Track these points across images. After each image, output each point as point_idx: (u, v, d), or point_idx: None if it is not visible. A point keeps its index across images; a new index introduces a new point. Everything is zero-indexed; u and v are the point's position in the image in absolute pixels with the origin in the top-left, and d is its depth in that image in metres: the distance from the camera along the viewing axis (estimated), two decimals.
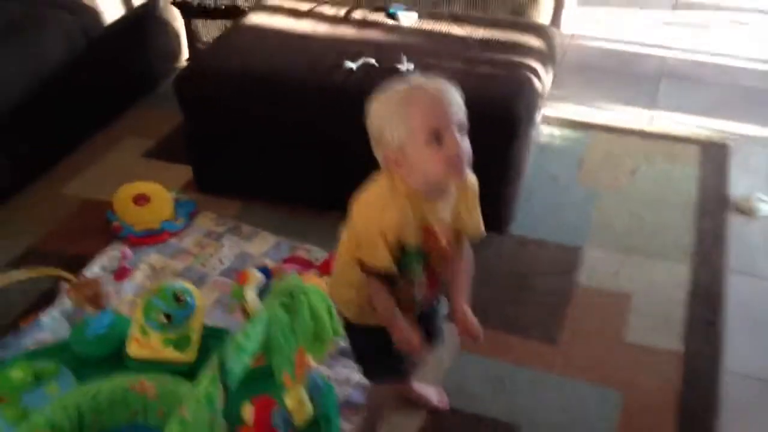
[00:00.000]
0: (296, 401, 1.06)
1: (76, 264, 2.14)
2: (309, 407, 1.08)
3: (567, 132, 2.77)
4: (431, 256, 1.32)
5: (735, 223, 2.32)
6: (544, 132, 2.74)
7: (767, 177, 2.50)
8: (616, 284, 2.11)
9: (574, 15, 3.63)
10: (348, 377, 1.85)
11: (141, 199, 2.33)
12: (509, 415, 1.75)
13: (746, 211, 2.35)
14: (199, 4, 3.18)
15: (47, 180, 2.60)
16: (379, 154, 1.28)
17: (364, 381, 1.83)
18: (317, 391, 1.11)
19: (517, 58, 2.26)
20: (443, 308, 1.54)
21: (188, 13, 3.23)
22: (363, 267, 1.27)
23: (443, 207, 1.32)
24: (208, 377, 0.88)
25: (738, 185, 2.47)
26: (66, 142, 2.77)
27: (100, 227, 2.33)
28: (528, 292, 2.09)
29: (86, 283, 1.41)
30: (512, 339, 1.94)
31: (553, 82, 3.17)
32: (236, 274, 2.11)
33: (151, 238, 2.29)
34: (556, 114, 2.87)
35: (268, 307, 0.98)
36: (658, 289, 2.09)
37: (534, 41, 2.36)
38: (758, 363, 1.87)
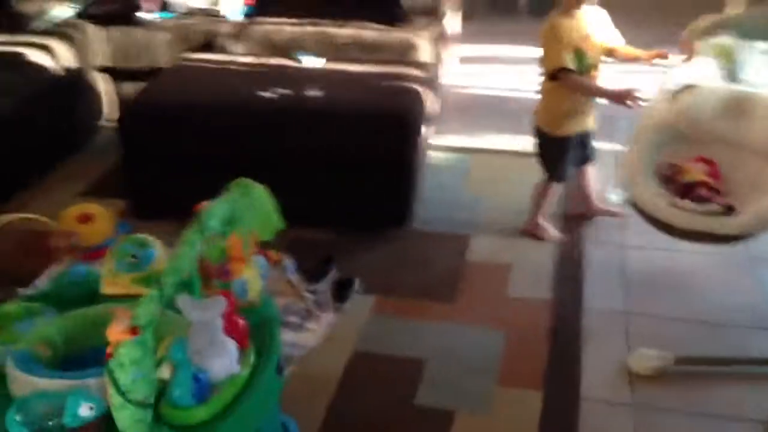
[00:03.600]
0: (251, 273, 1.39)
1: (27, 281, 2.40)
2: (260, 282, 1.42)
3: (454, 155, 3.29)
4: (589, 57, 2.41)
5: None
6: (434, 156, 3.24)
7: (614, 180, 3.07)
8: (499, 258, 2.57)
9: (455, 71, 4.26)
10: (282, 339, 2.18)
11: (85, 219, 2.61)
12: (417, 353, 2.13)
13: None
14: (125, 68, 3.56)
15: None
16: None
17: (297, 341, 2.19)
18: (265, 272, 1.44)
19: (406, 84, 2.77)
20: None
21: (116, 76, 3.60)
22: (555, 75, 2.38)
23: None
24: (191, 229, 1.22)
25: (594, 185, 3.01)
26: (3, 190, 3.02)
27: (42, 251, 2.60)
28: (430, 268, 2.51)
29: (65, 233, 1.68)
30: (418, 302, 2.35)
31: (439, 120, 3.72)
32: None
33: (94, 253, 2.56)
34: (445, 143, 3.39)
35: (231, 191, 1.34)
36: (532, 259, 2.56)
37: (417, 73, 2.89)
38: (608, 302, 2.35)
